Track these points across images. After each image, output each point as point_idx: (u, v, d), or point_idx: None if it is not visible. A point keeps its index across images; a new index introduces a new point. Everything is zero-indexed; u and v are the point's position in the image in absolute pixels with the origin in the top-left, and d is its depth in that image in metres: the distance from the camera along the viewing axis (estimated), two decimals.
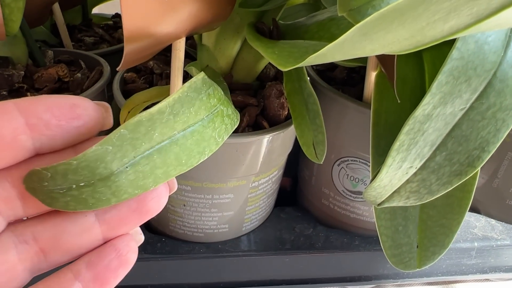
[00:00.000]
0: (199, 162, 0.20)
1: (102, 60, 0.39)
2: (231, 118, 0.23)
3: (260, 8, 0.28)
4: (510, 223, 0.41)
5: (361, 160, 0.34)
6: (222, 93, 0.24)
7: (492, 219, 0.41)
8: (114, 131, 0.17)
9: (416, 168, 0.25)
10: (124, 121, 0.30)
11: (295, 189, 0.46)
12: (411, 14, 0.15)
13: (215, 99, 0.22)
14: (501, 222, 0.41)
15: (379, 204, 0.27)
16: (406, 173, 0.25)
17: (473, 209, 0.43)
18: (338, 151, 0.36)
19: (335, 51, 0.18)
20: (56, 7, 0.43)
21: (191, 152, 0.19)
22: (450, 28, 0.15)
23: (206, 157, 0.20)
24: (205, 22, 0.26)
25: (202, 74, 0.21)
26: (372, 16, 0.15)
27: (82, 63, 0.37)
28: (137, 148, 0.17)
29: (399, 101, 0.27)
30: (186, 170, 0.19)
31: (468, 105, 0.23)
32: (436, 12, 0.15)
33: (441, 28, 0.15)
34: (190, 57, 0.38)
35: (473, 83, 0.23)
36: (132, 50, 0.23)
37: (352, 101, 0.32)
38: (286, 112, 0.32)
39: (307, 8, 0.46)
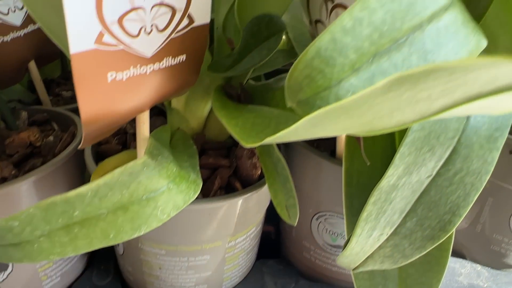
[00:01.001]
0: (134, 236, 0.21)
1: (76, 118, 0.38)
2: (186, 193, 0.23)
3: (225, 73, 0.28)
4: (496, 268, 0.40)
5: (338, 215, 0.34)
6: (176, 169, 0.24)
7: (478, 265, 0.41)
8: (24, 210, 0.19)
9: (387, 234, 0.25)
10: None
11: (279, 237, 0.45)
12: (356, 112, 0.15)
13: (163, 179, 0.22)
14: (487, 268, 0.40)
15: (354, 269, 0.27)
16: (378, 240, 0.25)
17: (459, 254, 0.42)
18: (316, 206, 0.35)
19: (291, 135, 0.18)
20: (32, 64, 0.43)
21: (122, 228, 0.21)
22: (397, 122, 0.15)
23: (143, 232, 0.21)
24: (170, 92, 0.26)
25: (143, 158, 0.22)
26: (318, 112, 0.15)
27: (54, 125, 0.37)
28: (52, 223, 0.19)
29: (368, 163, 0.27)
30: (116, 243, 0.21)
31: (434, 173, 0.23)
32: (380, 110, 0.14)
33: (388, 122, 0.15)
34: (163, 113, 0.38)
35: (437, 152, 0.23)
36: (92, 131, 0.23)
37: (325, 158, 0.32)
38: (259, 171, 0.32)
39: (284, 55, 0.46)
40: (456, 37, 0.19)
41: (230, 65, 0.29)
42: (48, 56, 0.46)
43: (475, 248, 0.41)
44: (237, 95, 0.29)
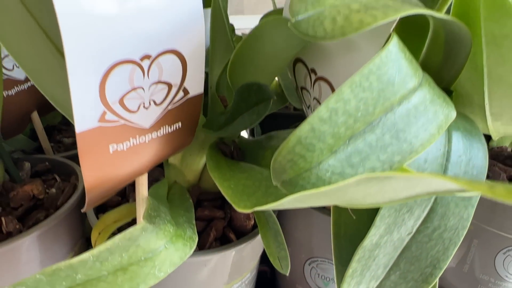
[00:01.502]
0: None
1: (77, 167, 0.40)
2: (183, 250, 0.25)
3: (218, 133, 0.30)
4: None
5: (329, 262, 0.35)
6: (172, 228, 0.25)
7: None
8: (30, 276, 0.20)
9: (373, 287, 0.26)
10: (95, 244, 0.31)
11: (275, 275, 0.46)
12: (333, 196, 0.16)
13: (160, 239, 0.24)
14: None
15: None
16: None
17: None
18: (308, 251, 0.37)
19: (278, 207, 0.20)
20: (35, 115, 0.45)
21: (122, 287, 0.22)
22: (371, 203, 0.17)
23: None
24: (168, 154, 0.28)
25: (142, 223, 0.24)
26: (300, 194, 0.16)
27: (57, 177, 0.38)
28: (56, 286, 0.21)
29: (354, 217, 0.28)
30: None
31: (414, 230, 0.25)
32: (354, 195, 0.16)
33: (362, 203, 0.17)
34: (160, 164, 0.40)
35: (415, 212, 0.24)
36: (95, 195, 0.24)
37: (316, 209, 0.33)
38: (253, 221, 0.33)
39: (276, 101, 0.49)
40: (426, 115, 0.20)
41: (223, 124, 0.31)
42: (49, 105, 0.48)
43: (464, 287, 0.42)
44: (230, 152, 0.31)
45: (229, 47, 0.32)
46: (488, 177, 0.38)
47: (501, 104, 0.28)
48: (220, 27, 0.31)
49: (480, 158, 0.26)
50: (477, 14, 0.22)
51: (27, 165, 0.40)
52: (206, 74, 0.34)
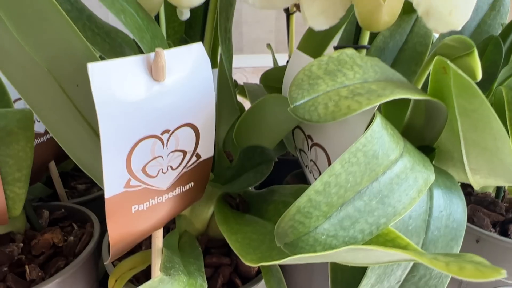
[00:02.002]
0: None
1: (93, 216, 0.43)
2: None
3: (224, 187, 0.33)
4: None
5: None
6: (185, 278, 0.28)
7: None
8: None
9: None
10: None
11: None
12: (326, 258, 0.20)
13: None
14: None
15: None
16: None
17: None
18: None
19: (281, 263, 0.23)
20: (52, 164, 0.48)
21: None
22: (361, 263, 0.20)
23: None
24: (181, 209, 0.31)
25: (159, 276, 0.26)
26: (299, 256, 0.19)
27: (74, 225, 0.41)
28: None
29: (349, 265, 0.31)
30: None
31: (402, 279, 0.28)
32: (344, 258, 0.19)
33: (353, 262, 0.20)
34: None
35: (402, 263, 0.27)
36: (118, 249, 0.27)
37: None
38: (257, 268, 0.36)
39: (276, 149, 0.52)
40: (407, 181, 0.24)
41: (229, 179, 0.34)
42: (65, 155, 0.51)
43: None
44: (236, 204, 0.34)
45: (234, 108, 0.35)
46: (472, 221, 0.41)
47: (477, 162, 0.31)
48: (226, 91, 0.35)
49: (459, 212, 0.29)
50: (450, 91, 0.26)
51: (46, 213, 0.43)
52: None
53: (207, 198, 0.36)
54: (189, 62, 0.25)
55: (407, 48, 0.39)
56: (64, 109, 0.25)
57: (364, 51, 0.37)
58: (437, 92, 0.28)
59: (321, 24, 0.32)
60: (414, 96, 0.24)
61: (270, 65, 0.65)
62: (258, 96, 0.51)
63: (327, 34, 0.49)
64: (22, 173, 0.32)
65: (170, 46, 0.29)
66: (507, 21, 0.43)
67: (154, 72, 0.23)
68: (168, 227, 0.40)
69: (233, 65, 0.55)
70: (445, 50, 0.32)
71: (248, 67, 1.37)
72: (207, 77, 0.26)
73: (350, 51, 0.27)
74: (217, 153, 0.37)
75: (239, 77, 1.35)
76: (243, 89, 0.59)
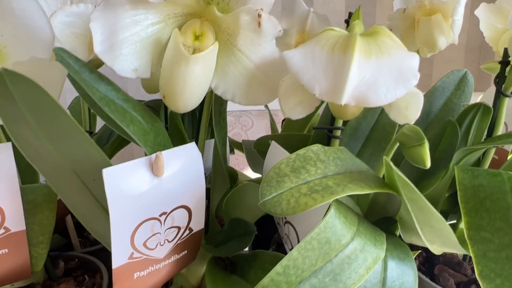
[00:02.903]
0: None
1: (102, 266, 0.49)
2: None
3: (215, 251, 0.38)
4: None
5: None
6: None
7: None
8: None
9: None
10: None
11: None
12: None
13: None
14: None
15: None
16: None
17: None
18: None
19: None
20: (69, 217, 0.55)
21: None
22: None
23: None
24: (176, 272, 0.37)
25: None
26: None
27: (86, 276, 0.47)
28: None
29: None
30: None
31: None
32: None
33: None
34: None
35: None
36: None
37: None
38: None
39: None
40: (356, 261, 0.29)
41: (219, 242, 0.40)
42: None
43: None
44: (225, 265, 0.40)
45: (225, 181, 0.41)
46: (438, 281, 0.46)
47: (431, 235, 0.36)
48: (219, 166, 0.41)
49: (410, 281, 0.34)
50: (397, 185, 0.32)
51: (62, 264, 0.48)
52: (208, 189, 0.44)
53: (201, 258, 0.42)
54: (184, 158, 0.31)
55: (377, 128, 0.45)
56: (83, 194, 0.31)
57: (339, 131, 0.43)
58: (390, 180, 0.34)
59: (298, 115, 0.38)
60: (363, 191, 0.30)
61: (277, 107, 0.71)
62: (255, 156, 0.57)
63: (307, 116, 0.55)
64: (45, 237, 0.38)
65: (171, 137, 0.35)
66: (470, 101, 0.49)
67: (155, 170, 0.29)
68: (167, 282, 0.45)
69: (240, 108, 0.61)
70: (403, 138, 0.38)
71: (254, 110, 1.44)
72: (199, 169, 0.32)
73: (315, 147, 0.33)
74: (211, 218, 0.43)
75: (245, 119, 1.42)
76: (241, 146, 0.66)
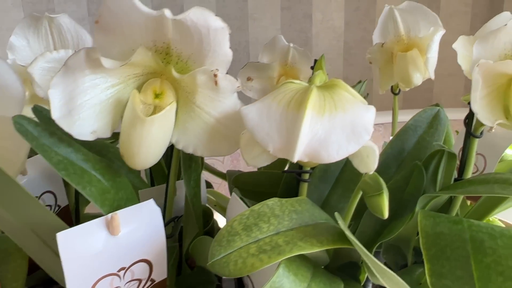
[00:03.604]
0: None
1: None
2: None
3: None
4: None
5: None
6: None
7: None
8: None
9: None
10: None
11: None
12: None
13: None
14: None
15: None
16: None
17: None
18: None
19: None
20: None
21: None
22: None
23: None
24: None
25: None
26: None
27: None
28: None
29: None
30: None
31: None
32: None
33: None
34: None
35: None
36: None
37: None
38: None
39: None
40: None
41: (189, 286, 0.41)
42: None
43: None
44: None
45: (194, 226, 0.42)
46: None
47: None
48: (190, 211, 0.42)
49: None
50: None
51: None
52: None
53: None
54: (141, 215, 0.32)
55: (347, 170, 0.46)
56: (44, 250, 0.32)
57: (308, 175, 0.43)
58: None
59: (262, 163, 0.39)
60: (313, 249, 0.31)
61: None
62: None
63: None
64: (18, 283, 0.40)
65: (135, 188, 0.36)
66: (442, 140, 0.49)
67: (111, 229, 0.30)
68: None
69: None
70: (364, 186, 0.38)
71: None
72: (158, 224, 0.33)
73: (272, 201, 0.34)
74: (184, 261, 0.44)
75: None
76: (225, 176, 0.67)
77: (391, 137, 0.55)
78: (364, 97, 0.61)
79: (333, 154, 0.32)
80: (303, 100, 0.32)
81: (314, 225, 0.34)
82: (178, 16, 0.28)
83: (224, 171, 0.64)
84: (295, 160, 0.32)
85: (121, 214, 0.31)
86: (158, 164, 0.48)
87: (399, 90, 0.62)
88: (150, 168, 0.56)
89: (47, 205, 0.52)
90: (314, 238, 0.32)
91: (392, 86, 0.62)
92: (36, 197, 0.48)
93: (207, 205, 0.66)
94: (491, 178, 0.37)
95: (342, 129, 0.32)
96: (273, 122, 0.33)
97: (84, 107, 0.31)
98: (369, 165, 0.37)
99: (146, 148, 0.32)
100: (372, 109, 0.34)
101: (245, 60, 1.72)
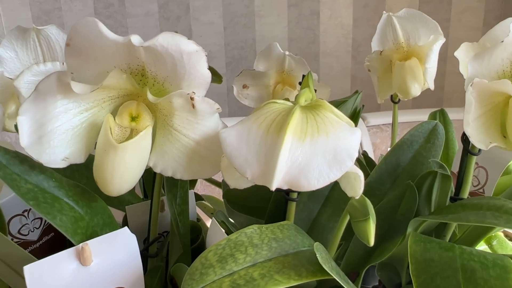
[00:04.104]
0: None
1: None
2: None
3: None
4: None
5: None
6: None
7: None
8: None
9: None
10: None
11: None
12: None
13: None
14: None
15: None
16: None
17: None
18: None
19: None
20: None
21: None
22: None
23: None
24: None
25: None
26: None
27: None
28: None
29: None
30: None
31: None
32: None
33: None
34: None
35: None
36: None
37: None
38: None
39: None
40: None
41: None
42: None
43: None
44: None
45: (179, 248, 0.42)
46: None
47: None
48: (174, 234, 0.42)
49: None
50: None
51: None
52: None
53: None
54: (116, 244, 0.31)
55: (336, 188, 0.44)
56: (16, 278, 0.32)
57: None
58: None
59: (245, 184, 0.38)
60: (289, 283, 0.29)
61: None
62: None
63: None
64: None
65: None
66: (440, 155, 0.47)
67: (82, 260, 0.30)
68: None
69: None
70: (351, 210, 0.37)
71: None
72: (133, 252, 0.32)
73: (250, 229, 0.33)
74: (169, 280, 0.43)
75: None
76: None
77: (389, 149, 0.53)
78: (360, 109, 0.60)
79: (313, 182, 0.30)
80: (284, 123, 0.31)
81: (295, 253, 0.33)
82: (146, 42, 0.27)
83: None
84: (273, 188, 0.30)
85: (93, 244, 0.30)
86: (150, 174, 0.47)
87: (399, 99, 0.60)
88: (143, 179, 0.56)
89: (36, 218, 0.52)
90: (292, 270, 0.30)
91: (392, 95, 0.60)
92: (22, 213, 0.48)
93: (202, 213, 0.66)
94: (485, 204, 0.35)
95: (323, 155, 0.31)
96: (251, 146, 0.31)
97: (56, 133, 0.30)
98: (356, 189, 0.35)
99: (120, 175, 0.31)
100: (357, 132, 0.32)
101: (252, 57, 1.71)
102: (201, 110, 0.33)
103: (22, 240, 0.53)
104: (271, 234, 0.33)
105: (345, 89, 1.64)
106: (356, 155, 0.31)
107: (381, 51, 0.57)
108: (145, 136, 0.32)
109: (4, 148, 0.30)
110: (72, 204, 0.31)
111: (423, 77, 0.52)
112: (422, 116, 0.72)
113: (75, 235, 0.31)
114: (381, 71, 0.58)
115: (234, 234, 0.32)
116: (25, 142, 0.29)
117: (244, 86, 0.64)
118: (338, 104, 0.58)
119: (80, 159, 0.32)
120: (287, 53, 0.60)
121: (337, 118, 0.33)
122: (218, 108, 0.34)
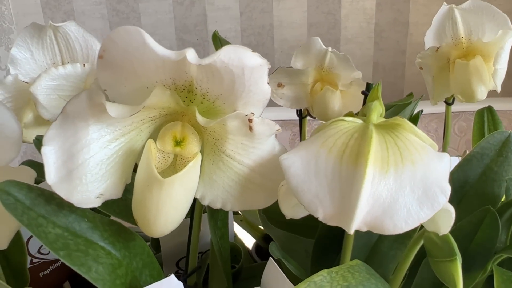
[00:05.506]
0: None
1: None
2: None
3: None
4: None
5: None
6: None
7: None
8: None
9: None
10: None
11: None
12: None
13: None
14: None
15: None
16: None
17: None
18: None
19: None
20: (67, 283, 0.51)
21: None
22: None
23: None
24: None
25: None
26: None
27: None
28: None
29: None
30: None
31: None
32: None
33: None
34: None
35: None
36: None
37: None
38: None
39: None
40: None
41: None
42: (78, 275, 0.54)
43: None
44: None
45: (221, 279, 0.37)
46: None
47: None
48: (215, 260, 0.36)
49: None
50: None
51: None
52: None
53: None
54: None
55: None
56: None
57: None
58: None
59: (303, 213, 0.32)
60: None
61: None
62: None
63: None
64: None
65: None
66: None
67: None
68: None
69: None
70: (429, 246, 0.32)
71: (277, 120, 1.38)
72: None
73: (319, 277, 0.27)
74: None
75: None
76: None
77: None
78: (417, 115, 0.54)
79: (401, 224, 0.25)
80: (362, 150, 0.26)
81: None
82: (205, 60, 0.21)
83: None
84: (351, 231, 0.25)
85: None
86: None
87: (453, 100, 0.54)
88: None
89: None
90: None
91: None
92: None
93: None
94: None
95: (411, 189, 0.25)
96: (323, 179, 0.26)
97: (88, 166, 0.25)
98: (440, 227, 0.30)
99: (165, 214, 0.26)
100: (445, 157, 0.27)
101: (269, 44, 1.64)
102: (259, 133, 0.27)
103: (43, 260, 0.48)
104: (343, 281, 0.28)
105: (367, 77, 1.56)
106: (449, 188, 0.26)
107: (437, 48, 0.50)
108: (194, 166, 0.26)
109: (28, 185, 0.24)
110: (108, 248, 0.26)
111: (489, 78, 0.46)
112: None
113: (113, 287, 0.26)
114: (437, 70, 0.52)
115: (302, 284, 0.26)
116: (52, 178, 0.24)
117: (279, 85, 0.58)
118: (388, 108, 0.52)
119: (116, 194, 0.26)
120: (330, 49, 0.53)
121: (421, 142, 0.27)
122: (278, 130, 0.28)
